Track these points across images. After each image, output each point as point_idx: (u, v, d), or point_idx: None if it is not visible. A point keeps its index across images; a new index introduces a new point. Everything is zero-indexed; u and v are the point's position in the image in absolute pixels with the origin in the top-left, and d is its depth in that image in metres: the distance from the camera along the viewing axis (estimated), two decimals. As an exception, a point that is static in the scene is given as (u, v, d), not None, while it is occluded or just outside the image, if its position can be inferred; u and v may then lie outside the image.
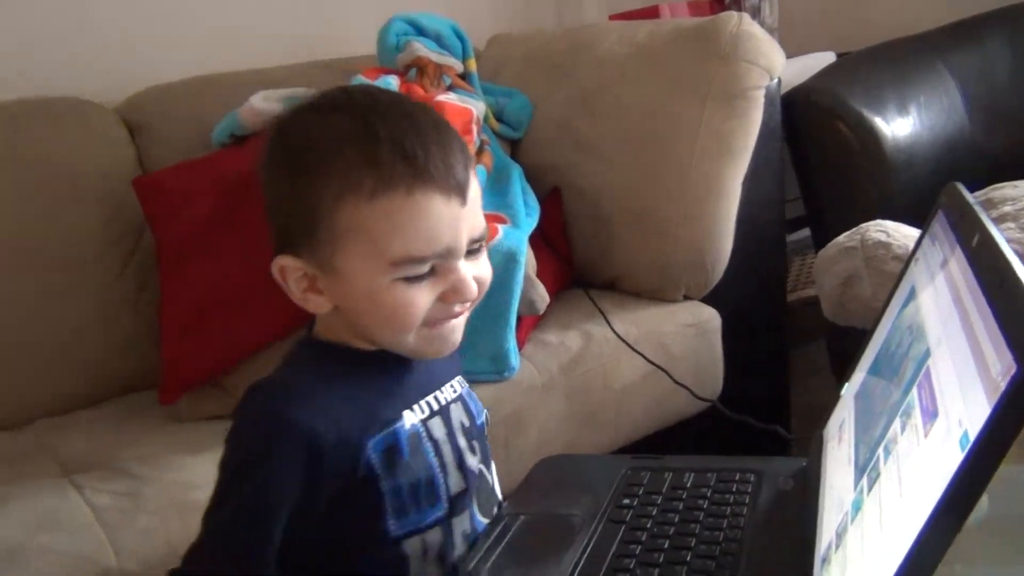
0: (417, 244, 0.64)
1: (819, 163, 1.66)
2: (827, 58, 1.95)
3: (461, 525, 0.70)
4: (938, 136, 1.66)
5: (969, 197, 0.55)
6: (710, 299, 1.45)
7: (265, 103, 1.46)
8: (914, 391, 0.46)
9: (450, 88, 1.45)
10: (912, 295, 0.58)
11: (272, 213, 0.69)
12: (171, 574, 0.65)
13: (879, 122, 1.60)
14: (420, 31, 1.49)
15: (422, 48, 1.43)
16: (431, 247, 0.64)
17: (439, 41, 1.49)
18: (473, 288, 0.67)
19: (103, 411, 1.36)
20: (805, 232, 1.85)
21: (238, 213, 1.33)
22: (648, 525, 0.64)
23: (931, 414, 0.42)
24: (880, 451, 0.48)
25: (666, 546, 0.61)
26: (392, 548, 0.66)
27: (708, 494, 0.67)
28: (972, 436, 0.34)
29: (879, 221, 1.29)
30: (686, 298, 1.45)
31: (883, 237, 1.24)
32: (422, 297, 0.65)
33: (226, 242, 1.33)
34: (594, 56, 1.58)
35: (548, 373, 1.26)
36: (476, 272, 0.68)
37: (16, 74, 1.57)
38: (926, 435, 0.41)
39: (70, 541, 0.96)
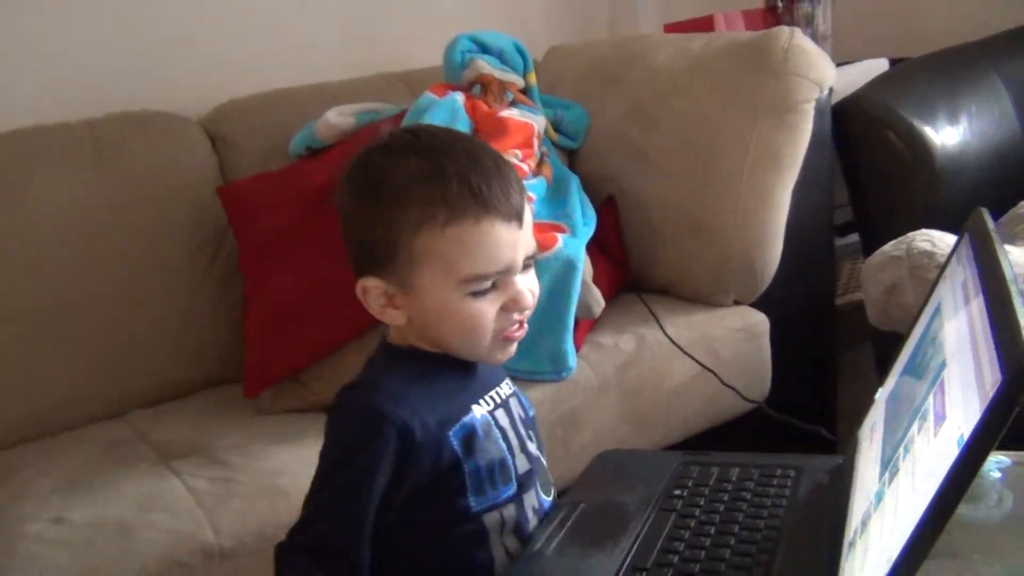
0: (483, 264, 0.73)
1: (869, 172, 1.70)
2: (880, 64, 1.98)
3: (530, 501, 0.79)
4: (988, 145, 1.69)
5: (990, 223, 0.61)
6: (759, 304, 1.51)
7: (339, 118, 1.56)
8: (931, 397, 0.53)
9: (512, 103, 1.53)
10: (938, 310, 0.64)
11: (352, 240, 0.79)
12: (278, 547, 0.74)
13: (929, 132, 1.64)
14: (483, 48, 1.57)
15: (486, 66, 1.52)
16: (494, 266, 0.74)
17: (501, 58, 1.57)
18: (529, 298, 0.77)
19: (191, 403, 1.48)
20: (856, 236, 1.89)
21: (315, 222, 1.43)
22: (696, 514, 0.72)
23: (941, 418, 0.49)
24: (901, 449, 0.54)
25: (712, 532, 0.69)
26: (473, 522, 0.76)
27: (751, 487, 0.74)
28: (966, 437, 0.41)
29: (925, 231, 1.33)
30: (736, 303, 1.51)
31: (928, 247, 1.29)
32: (488, 308, 0.75)
33: (304, 249, 1.43)
34: (649, 68, 1.64)
35: (603, 374, 1.33)
36: (529, 285, 0.77)
37: (109, 91, 1.68)
38: (935, 436, 0.48)
39: (173, 520, 1.07)
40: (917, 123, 1.63)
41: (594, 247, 1.47)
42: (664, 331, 1.37)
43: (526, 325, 0.79)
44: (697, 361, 1.34)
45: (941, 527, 0.40)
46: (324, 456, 0.75)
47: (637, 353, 1.36)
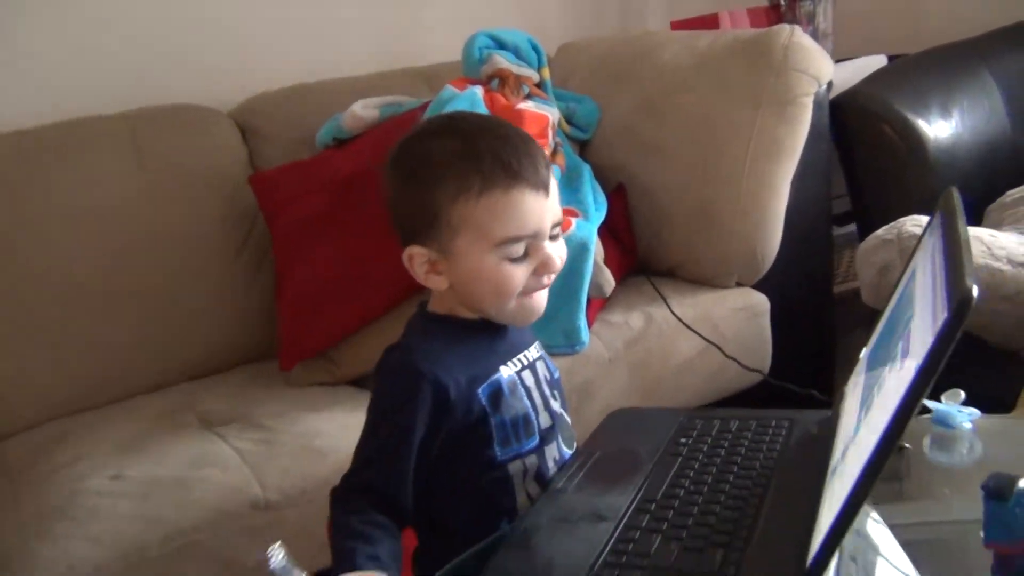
0: (513, 228, 0.82)
1: (865, 163, 1.79)
2: (878, 61, 2.06)
3: (551, 452, 0.88)
4: (979, 138, 1.78)
5: (958, 200, 0.70)
6: (760, 286, 1.60)
7: (364, 110, 1.65)
8: (900, 343, 0.62)
9: (528, 96, 1.62)
10: (912, 276, 0.74)
11: (398, 215, 0.88)
12: (333, 491, 0.83)
13: (923, 125, 1.72)
14: (500, 45, 1.66)
15: (503, 61, 1.61)
16: (524, 230, 0.82)
17: (517, 53, 1.66)
18: (557, 262, 0.86)
19: (227, 378, 1.58)
20: (854, 226, 1.97)
21: (343, 209, 1.53)
22: (699, 457, 0.81)
23: (906, 355, 0.58)
24: (875, 388, 0.64)
25: (713, 471, 0.78)
26: (499, 469, 0.85)
27: (749, 435, 0.84)
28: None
29: (915, 216, 1.43)
30: (738, 285, 1.60)
31: (917, 230, 1.38)
32: (520, 273, 0.84)
33: (333, 234, 1.52)
34: (657, 64, 1.73)
35: (614, 348, 1.43)
36: (559, 251, 0.86)
37: (146, 85, 1.79)
38: (900, 369, 0.57)
39: (224, 476, 1.17)
40: (911, 117, 1.72)
41: (605, 232, 1.56)
42: (671, 309, 1.46)
43: (546, 291, 0.87)
44: (701, 335, 1.43)
45: (900, 432, 0.50)
46: (370, 411, 0.85)
47: (645, 330, 1.46)
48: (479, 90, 1.55)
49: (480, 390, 0.85)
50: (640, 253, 1.67)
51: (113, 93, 1.73)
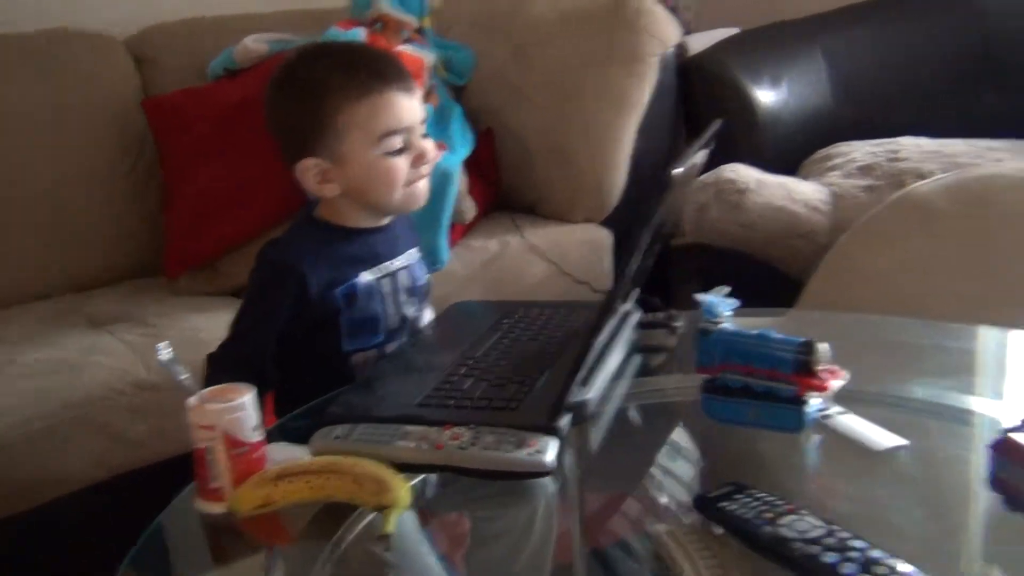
0: (392, 122, 0.97)
1: (704, 121, 2.01)
2: (731, 33, 2.30)
3: (392, 348, 1.04)
4: (803, 105, 2.03)
5: (711, 128, 0.92)
6: (606, 223, 1.82)
7: (255, 44, 1.78)
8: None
9: (407, 41, 1.78)
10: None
11: (285, 133, 1.00)
12: (209, 356, 0.98)
13: (755, 90, 1.96)
14: (385, -9, 1.81)
15: (386, 6, 1.76)
16: (400, 123, 0.97)
17: (401, 1, 1.82)
18: (431, 152, 1.00)
19: (114, 288, 1.69)
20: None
21: (231, 133, 1.66)
22: (516, 331, 1.01)
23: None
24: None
25: (524, 339, 0.98)
26: (345, 358, 1.01)
27: (557, 318, 1.04)
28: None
29: (733, 164, 1.67)
30: (587, 221, 1.81)
31: (732, 176, 1.62)
32: (402, 163, 0.98)
33: (221, 156, 1.65)
34: (527, 18, 1.92)
35: (472, 267, 1.62)
36: (429, 146, 1.00)
37: (41, 9, 1.84)
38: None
39: (112, 360, 1.30)
40: (745, 81, 1.95)
41: (472, 169, 1.75)
42: (522, 235, 1.66)
43: (427, 180, 1.02)
44: (545, 257, 1.63)
45: (621, 278, 0.70)
46: (247, 293, 1.01)
47: (500, 253, 1.66)
48: (362, 31, 1.70)
49: (338, 291, 0.99)
50: (504, 190, 1.87)
51: (17, 13, 1.79)
